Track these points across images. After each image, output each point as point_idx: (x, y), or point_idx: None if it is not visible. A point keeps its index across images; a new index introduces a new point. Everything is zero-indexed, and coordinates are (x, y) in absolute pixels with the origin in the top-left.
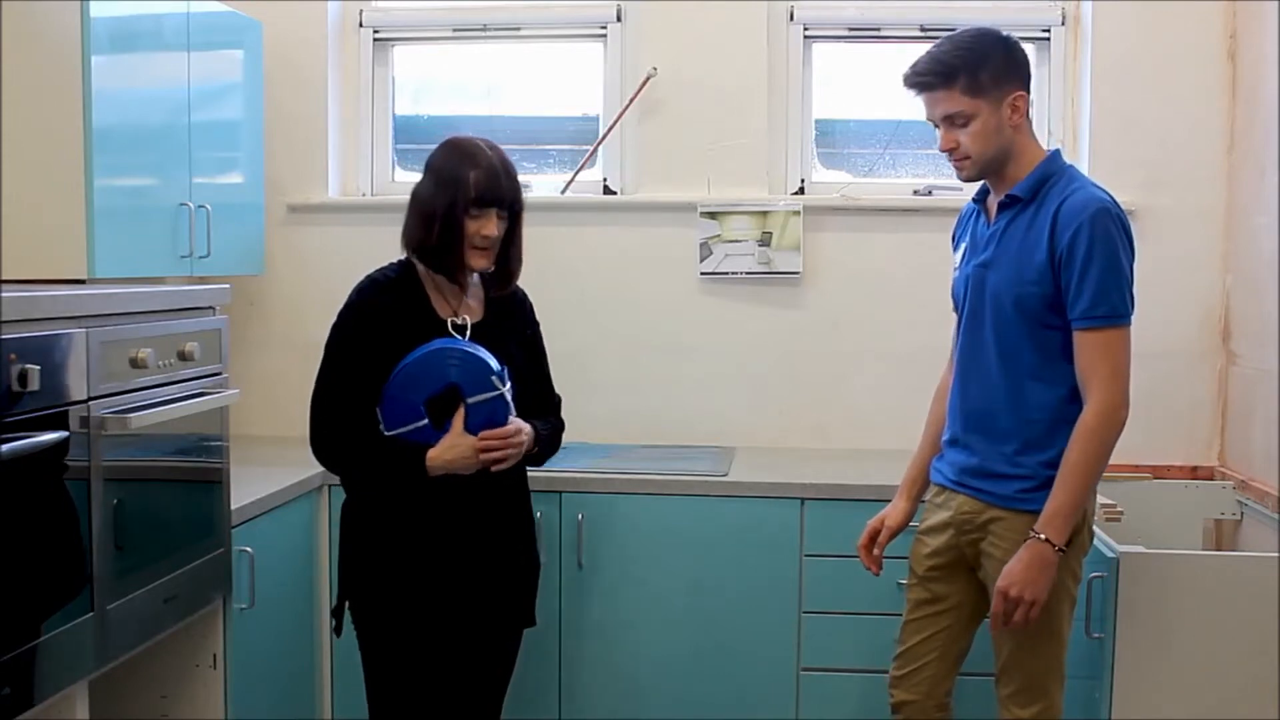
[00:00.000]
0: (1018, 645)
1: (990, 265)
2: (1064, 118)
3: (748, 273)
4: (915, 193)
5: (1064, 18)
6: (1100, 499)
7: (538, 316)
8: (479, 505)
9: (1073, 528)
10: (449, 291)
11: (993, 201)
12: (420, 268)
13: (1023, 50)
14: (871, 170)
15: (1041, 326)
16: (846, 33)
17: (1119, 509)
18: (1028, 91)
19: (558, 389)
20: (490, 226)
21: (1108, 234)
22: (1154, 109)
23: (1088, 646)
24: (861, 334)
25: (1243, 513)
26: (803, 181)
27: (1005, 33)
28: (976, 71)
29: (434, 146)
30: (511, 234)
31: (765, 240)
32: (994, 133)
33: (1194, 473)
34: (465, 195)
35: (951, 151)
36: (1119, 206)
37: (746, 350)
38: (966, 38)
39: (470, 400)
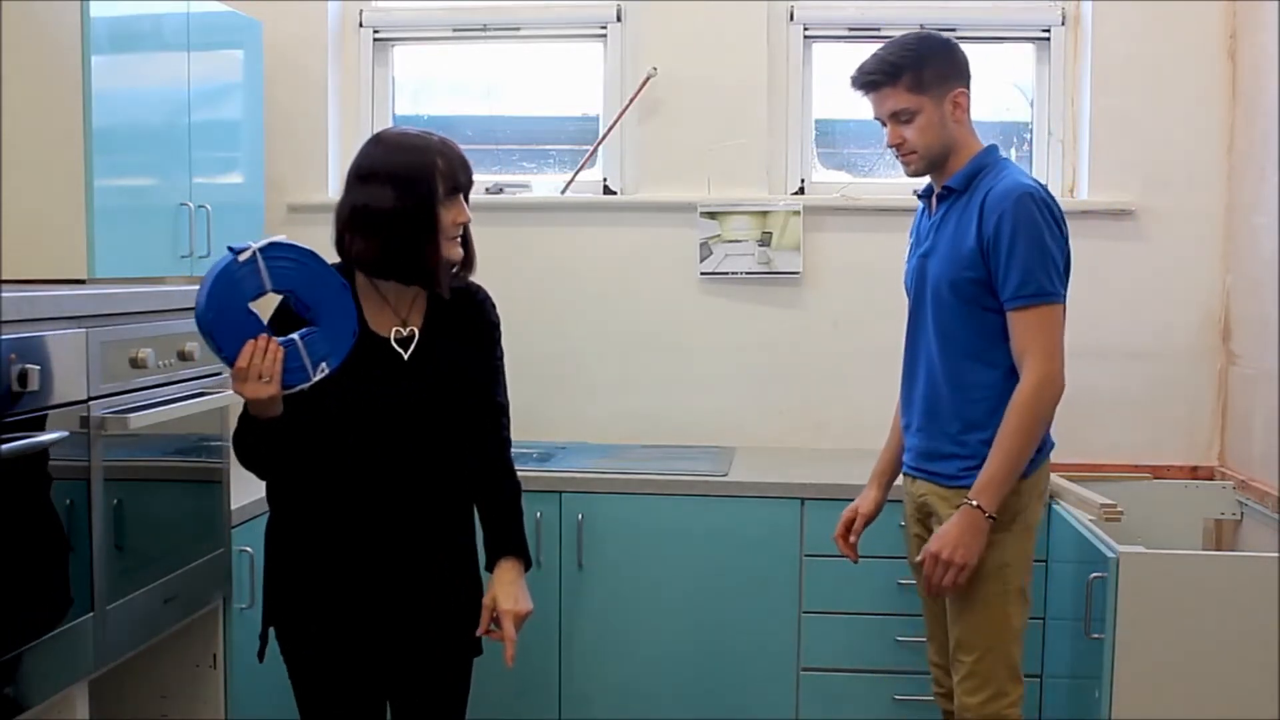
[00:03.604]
0: (964, 623)
1: (930, 254)
2: (1064, 118)
3: (748, 273)
4: (915, 193)
5: (1064, 18)
6: (1100, 499)
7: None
8: (409, 526)
9: (1002, 497)
10: (397, 299)
11: (935, 196)
12: (359, 278)
13: (963, 52)
14: (871, 170)
15: (979, 309)
16: (846, 33)
17: (1119, 509)
18: (969, 90)
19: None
20: (464, 212)
21: (1031, 217)
22: (1154, 109)
23: (1088, 646)
24: (861, 334)
25: (1243, 513)
26: (803, 181)
27: (945, 36)
28: (920, 69)
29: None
30: None
31: (765, 240)
32: (938, 127)
33: (1194, 473)
34: (439, 185)
35: (898, 147)
36: (1046, 192)
37: (746, 350)
38: (910, 39)
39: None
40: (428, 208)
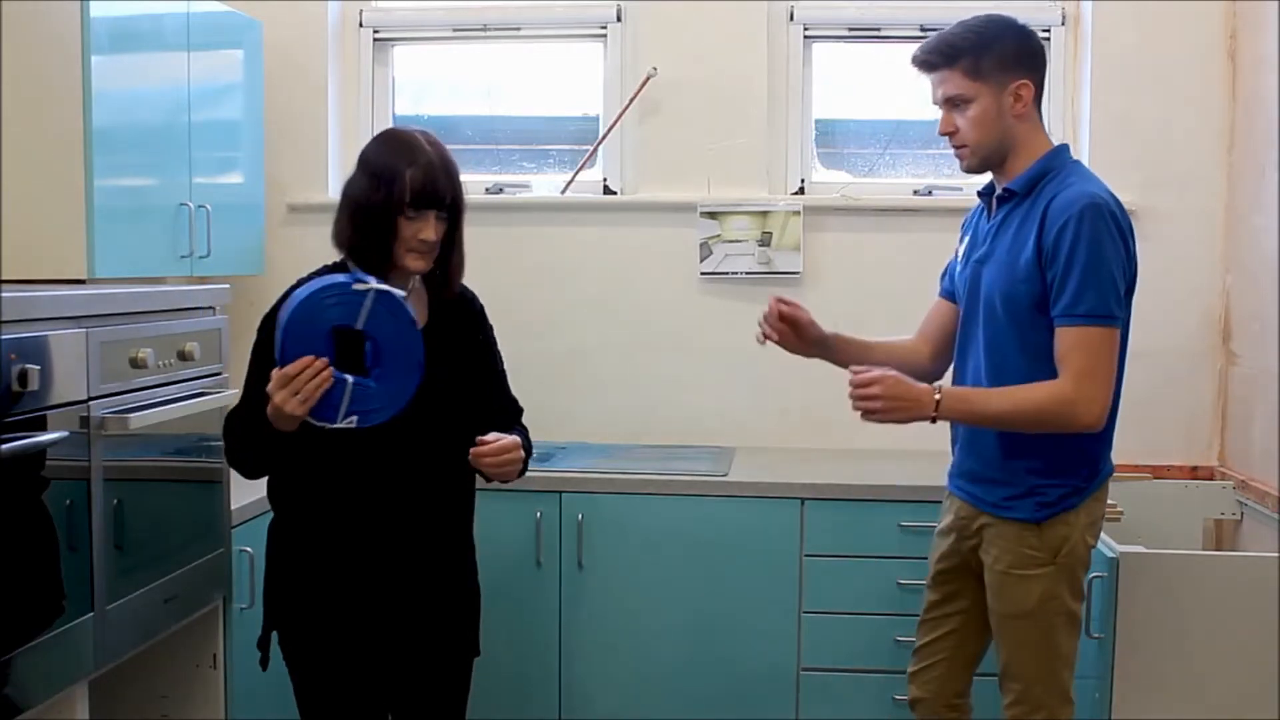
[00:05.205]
0: (1011, 652)
1: (985, 261)
2: (1064, 118)
3: (748, 273)
4: (915, 193)
5: (1064, 18)
6: None
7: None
8: (412, 529)
9: (957, 416)
10: None
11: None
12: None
13: (1037, 41)
14: (871, 170)
15: (1029, 327)
16: (846, 33)
17: (1119, 509)
18: (1037, 84)
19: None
20: (429, 230)
21: (1095, 231)
22: (1154, 109)
23: (1088, 646)
24: (862, 334)
25: (1243, 513)
26: (803, 181)
27: (1021, 22)
28: (981, 55)
29: None
30: (452, 235)
31: (765, 240)
32: (994, 120)
33: (1194, 473)
34: (400, 195)
35: (951, 136)
36: (1117, 203)
37: (746, 350)
38: (978, 21)
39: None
40: (388, 210)
